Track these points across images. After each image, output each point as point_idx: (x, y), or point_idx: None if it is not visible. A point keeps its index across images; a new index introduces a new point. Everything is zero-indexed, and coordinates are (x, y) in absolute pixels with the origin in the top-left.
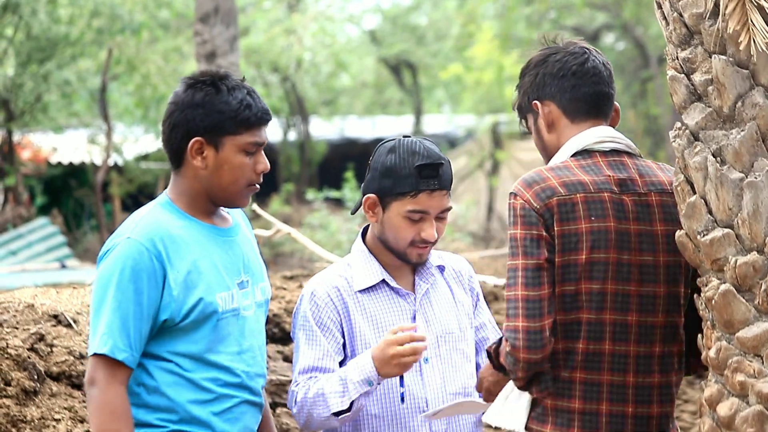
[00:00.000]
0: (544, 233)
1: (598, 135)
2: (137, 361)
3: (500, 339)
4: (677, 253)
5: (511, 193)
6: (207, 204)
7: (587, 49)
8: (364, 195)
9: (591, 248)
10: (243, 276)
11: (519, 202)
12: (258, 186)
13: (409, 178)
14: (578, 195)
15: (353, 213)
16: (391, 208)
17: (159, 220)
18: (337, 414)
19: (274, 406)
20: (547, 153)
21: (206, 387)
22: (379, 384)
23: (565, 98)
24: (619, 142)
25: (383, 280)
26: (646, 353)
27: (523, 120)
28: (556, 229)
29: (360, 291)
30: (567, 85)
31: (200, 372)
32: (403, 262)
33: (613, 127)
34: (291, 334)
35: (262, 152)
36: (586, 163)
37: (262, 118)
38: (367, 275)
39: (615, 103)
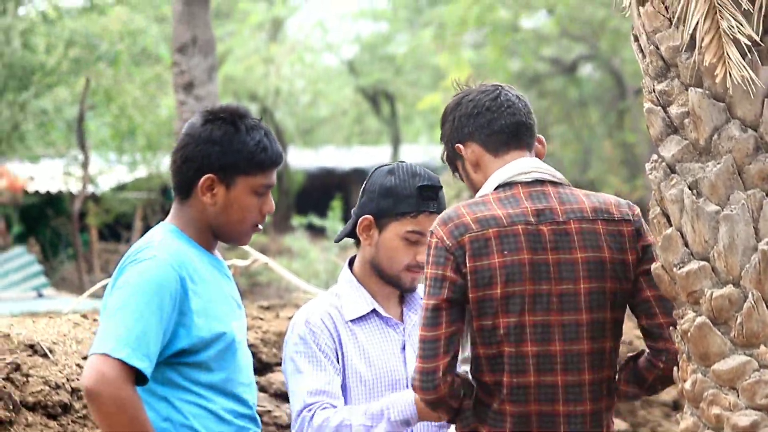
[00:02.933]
0: (449, 273)
1: (519, 167)
2: (151, 374)
3: None
4: (600, 279)
5: (429, 230)
6: (211, 237)
7: (499, 85)
8: (358, 218)
9: (506, 282)
10: (239, 308)
11: (434, 240)
12: (261, 227)
13: (411, 198)
14: (491, 230)
15: (338, 240)
16: (389, 229)
17: (179, 246)
18: None
19: None
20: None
21: (226, 419)
22: (412, 426)
23: (484, 134)
24: (543, 172)
25: (373, 310)
26: (575, 382)
27: (455, 171)
28: (468, 265)
29: (351, 320)
30: (483, 121)
31: (220, 403)
32: (395, 287)
33: (540, 158)
34: (282, 362)
35: (270, 194)
36: (505, 195)
37: (276, 162)
38: (357, 305)
39: (539, 135)
